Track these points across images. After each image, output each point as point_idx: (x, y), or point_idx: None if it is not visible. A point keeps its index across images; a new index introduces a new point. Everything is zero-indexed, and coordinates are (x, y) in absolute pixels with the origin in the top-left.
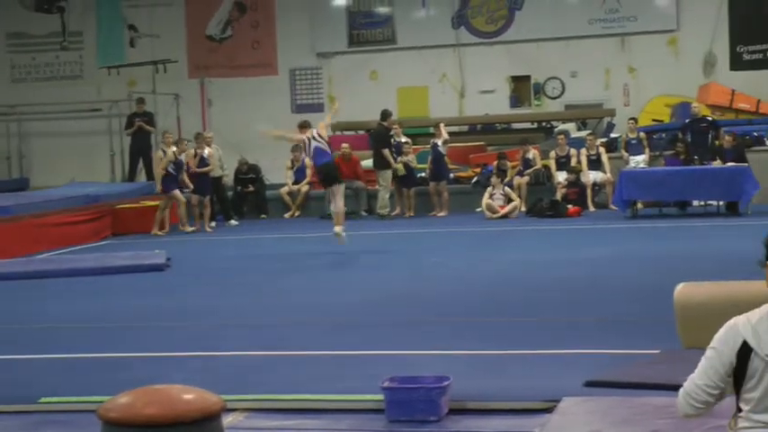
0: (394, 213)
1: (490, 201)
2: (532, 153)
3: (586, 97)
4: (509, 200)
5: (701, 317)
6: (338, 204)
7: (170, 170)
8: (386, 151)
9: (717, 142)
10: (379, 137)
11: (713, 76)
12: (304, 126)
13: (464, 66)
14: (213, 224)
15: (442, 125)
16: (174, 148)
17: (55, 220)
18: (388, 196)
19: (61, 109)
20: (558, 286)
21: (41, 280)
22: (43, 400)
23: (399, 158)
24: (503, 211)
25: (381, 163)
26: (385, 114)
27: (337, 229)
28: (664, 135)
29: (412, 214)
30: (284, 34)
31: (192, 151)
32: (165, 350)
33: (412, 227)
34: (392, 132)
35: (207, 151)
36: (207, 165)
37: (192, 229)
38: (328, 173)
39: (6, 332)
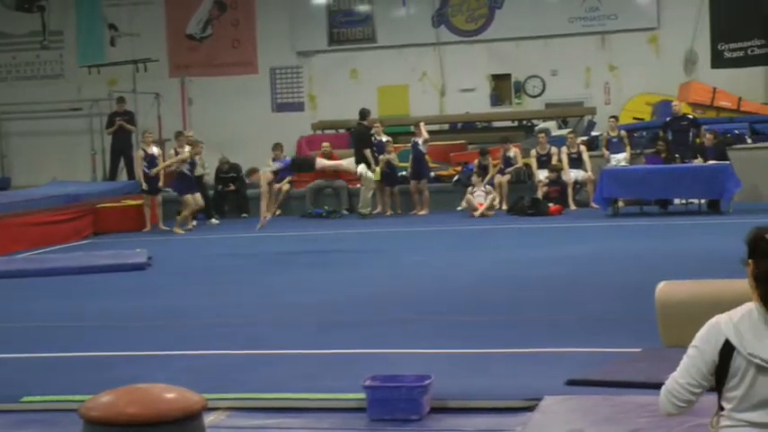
0: (375, 212)
1: (470, 196)
2: (513, 151)
3: (567, 95)
4: None
5: (683, 315)
6: (340, 163)
7: (185, 171)
8: (367, 152)
9: (698, 140)
10: (360, 136)
11: (694, 74)
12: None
13: (444, 64)
14: (194, 223)
15: (422, 124)
16: (161, 150)
17: (36, 220)
18: (370, 195)
19: (42, 108)
20: (540, 285)
21: (22, 279)
22: (25, 399)
23: (381, 157)
24: (481, 209)
25: (363, 163)
26: (363, 113)
27: (360, 168)
28: (645, 133)
29: (396, 212)
30: (264, 33)
31: (173, 151)
32: (148, 349)
33: (393, 225)
34: (372, 131)
35: (187, 149)
36: None
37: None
38: (301, 162)
39: None
